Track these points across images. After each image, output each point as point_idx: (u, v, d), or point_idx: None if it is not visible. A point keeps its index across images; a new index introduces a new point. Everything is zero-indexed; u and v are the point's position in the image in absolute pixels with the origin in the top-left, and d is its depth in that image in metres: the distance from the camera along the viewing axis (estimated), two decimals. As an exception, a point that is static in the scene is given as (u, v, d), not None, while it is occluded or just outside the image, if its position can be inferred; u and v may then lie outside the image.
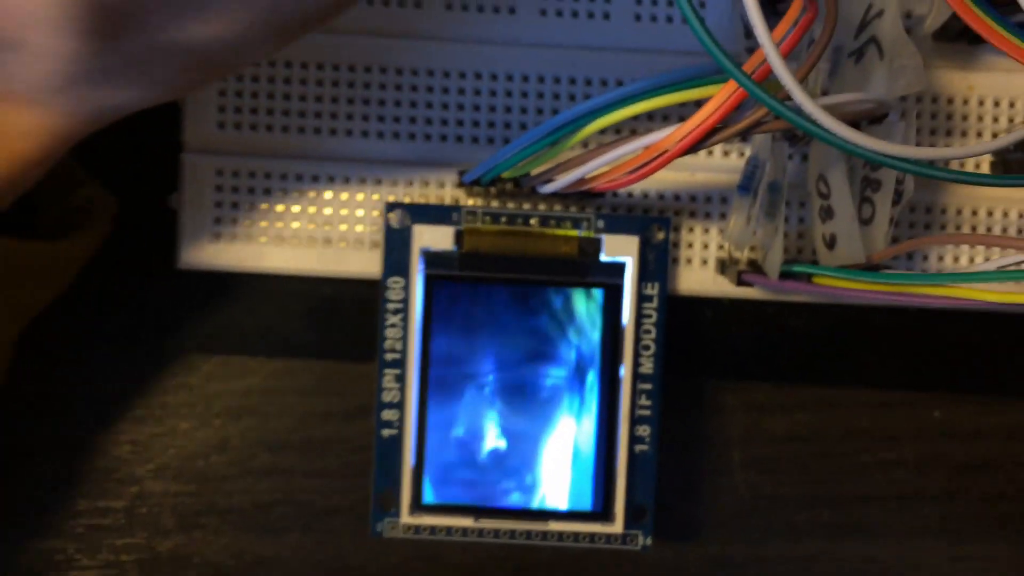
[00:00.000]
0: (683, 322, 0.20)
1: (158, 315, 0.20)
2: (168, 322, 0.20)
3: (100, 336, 0.20)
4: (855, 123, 0.15)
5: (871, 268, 0.17)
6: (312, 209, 0.19)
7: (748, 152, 0.18)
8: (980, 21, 0.12)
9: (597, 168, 0.16)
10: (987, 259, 0.20)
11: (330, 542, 0.21)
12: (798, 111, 0.13)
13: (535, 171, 0.17)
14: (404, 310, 0.19)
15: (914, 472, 0.22)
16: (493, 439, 0.19)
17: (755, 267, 0.19)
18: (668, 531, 0.21)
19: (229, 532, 0.21)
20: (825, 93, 0.17)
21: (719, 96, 0.14)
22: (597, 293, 0.19)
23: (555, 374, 0.19)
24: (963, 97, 0.20)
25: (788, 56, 0.13)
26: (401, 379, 0.19)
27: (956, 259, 0.20)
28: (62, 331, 0.20)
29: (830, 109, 0.13)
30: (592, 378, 0.19)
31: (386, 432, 0.19)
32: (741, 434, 0.21)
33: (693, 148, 0.15)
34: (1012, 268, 0.15)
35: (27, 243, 0.21)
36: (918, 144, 0.19)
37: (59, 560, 0.20)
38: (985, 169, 0.20)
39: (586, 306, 0.19)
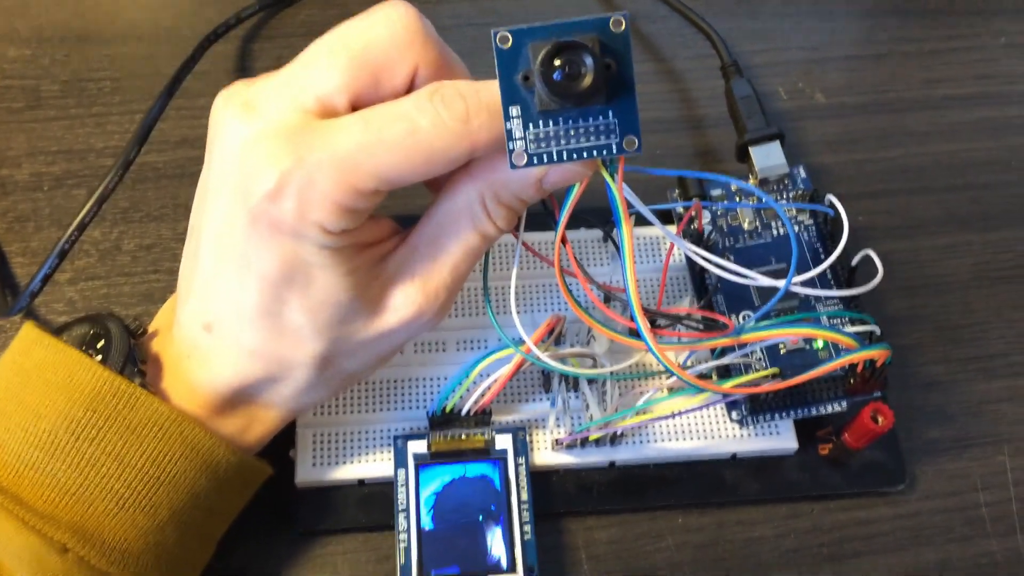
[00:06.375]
0: (540, 480, 0.39)
1: (285, 508, 0.38)
2: (287, 512, 0.39)
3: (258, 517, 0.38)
4: (592, 364, 0.37)
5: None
6: (359, 447, 0.39)
7: (551, 390, 0.39)
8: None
9: (479, 394, 0.37)
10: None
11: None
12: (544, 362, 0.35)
13: (457, 403, 0.38)
14: (406, 484, 0.38)
15: (674, 551, 0.39)
16: (461, 536, 0.37)
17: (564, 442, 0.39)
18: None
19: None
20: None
21: (516, 359, 0.36)
22: (496, 464, 0.38)
23: (487, 503, 0.37)
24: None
25: (540, 341, 0.35)
26: (407, 518, 0.37)
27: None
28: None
29: (563, 357, 0.35)
30: (501, 503, 0.38)
31: (402, 545, 0.37)
32: (583, 542, 0.39)
33: (511, 379, 0.36)
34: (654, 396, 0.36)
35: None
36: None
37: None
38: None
39: (491, 471, 0.38)
